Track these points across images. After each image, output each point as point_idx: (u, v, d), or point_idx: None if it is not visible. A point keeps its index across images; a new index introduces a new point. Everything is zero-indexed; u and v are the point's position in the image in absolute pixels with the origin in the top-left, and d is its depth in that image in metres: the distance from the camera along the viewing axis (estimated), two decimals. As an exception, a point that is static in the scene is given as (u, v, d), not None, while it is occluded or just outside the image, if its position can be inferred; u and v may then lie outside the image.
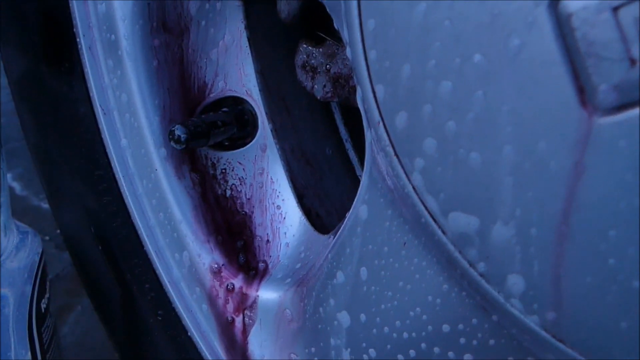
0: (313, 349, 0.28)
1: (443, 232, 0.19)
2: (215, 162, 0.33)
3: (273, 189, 0.34)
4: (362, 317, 0.25)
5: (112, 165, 0.33)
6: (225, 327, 0.30)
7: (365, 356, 0.25)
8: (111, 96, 0.31)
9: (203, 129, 0.30)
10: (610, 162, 0.15)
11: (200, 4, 0.32)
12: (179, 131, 0.29)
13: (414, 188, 0.20)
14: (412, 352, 0.24)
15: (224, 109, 0.33)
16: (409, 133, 0.19)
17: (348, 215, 0.25)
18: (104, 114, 0.32)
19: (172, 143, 0.29)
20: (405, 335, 0.24)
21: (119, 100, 0.31)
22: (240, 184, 0.33)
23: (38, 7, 0.32)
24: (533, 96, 0.16)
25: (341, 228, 0.26)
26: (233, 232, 0.33)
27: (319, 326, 0.27)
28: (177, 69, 0.32)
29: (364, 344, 0.25)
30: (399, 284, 0.23)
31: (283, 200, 0.33)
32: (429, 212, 0.19)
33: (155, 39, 0.31)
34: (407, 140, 0.19)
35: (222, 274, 0.31)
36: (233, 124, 0.33)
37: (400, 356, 0.24)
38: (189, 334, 0.32)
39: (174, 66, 0.32)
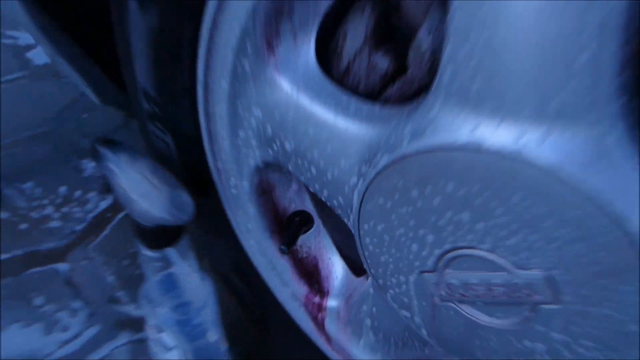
0: (350, 330, 0.64)
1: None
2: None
3: (326, 249, 0.67)
4: (376, 323, 0.60)
5: (249, 252, 0.66)
6: (315, 321, 0.66)
7: (378, 337, 0.60)
8: (245, 239, 0.64)
9: (293, 239, 0.63)
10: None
11: (277, 176, 0.62)
12: (283, 247, 0.61)
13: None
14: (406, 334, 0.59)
15: (296, 218, 0.65)
16: None
17: (365, 286, 0.59)
18: (245, 239, 0.64)
19: (280, 254, 0.61)
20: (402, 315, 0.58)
21: (248, 240, 0.64)
22: (310, 249, 0.66)
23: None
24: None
25: (362, 290, 0.59)
26: (310, 274, 0.66)
27: (355, 321, 0.62)
28: (272, 206, 0.63)
29: (380, 334, 0.60)
30: (393, 310, 0.57)
31: (332, 254, 0.67)
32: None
33: (261, 198, 0.62)
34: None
35: (309, 297, 0.66)
36: (302, 226, 0.65)
37: (396, 340, 0.59)
38: (301, 328, 0.68)
39: (271, 206, 0.63)
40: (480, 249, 0.40)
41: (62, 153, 1.33)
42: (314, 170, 0.49)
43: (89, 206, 1.19)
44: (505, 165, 0.35)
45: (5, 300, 1.02)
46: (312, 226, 0.66)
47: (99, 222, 1.16)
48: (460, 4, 0.34)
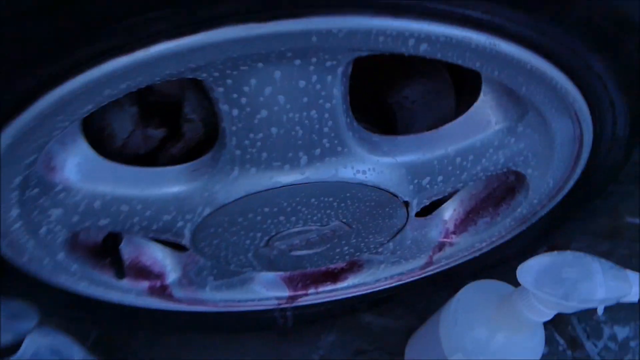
0: (195, 287, 0.79)
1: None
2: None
3: (140, 246, 0.76)
4: (217, 275, 0.76)
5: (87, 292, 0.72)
6: (165, 297, 0.79)
7: (221, 281, 0.77)
8: (80, 285, 0.68)
9: (119, 264, 0.70)
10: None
11: (83, 231, 0.66)
12: (117, 277, 0.69)
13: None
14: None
15: (109, 242, 0.71)
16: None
17: (199, 260, 0.72)
18: (80, 286, 0.69)
19: (118, 279, 0.69)
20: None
21: (81, 283, 0.68)
22: (130, 255, 0.75)
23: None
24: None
25: (199, 264, 0.73)
26: (141, 271, 0.76)
27: (198, 281, 0.78)
28: (87, 249, 0.68)
29: (220, 280, 0.77)
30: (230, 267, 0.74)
31: (148, 247, 0.76)
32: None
33: (77, 252, 0.66)
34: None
35: (152, 286, 0.77)
36: (117, 246, 0.72)
37: (233, 276, 0.77)
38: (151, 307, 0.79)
39: (86, 250, 0.68)
40: (296, 228, 0.58)
41: None
42: (137, 228, 0.58)
43: None
44: (296, 189, 0.52)
45: None
46: (122, 239, 0.73)
47: None
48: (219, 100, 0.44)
